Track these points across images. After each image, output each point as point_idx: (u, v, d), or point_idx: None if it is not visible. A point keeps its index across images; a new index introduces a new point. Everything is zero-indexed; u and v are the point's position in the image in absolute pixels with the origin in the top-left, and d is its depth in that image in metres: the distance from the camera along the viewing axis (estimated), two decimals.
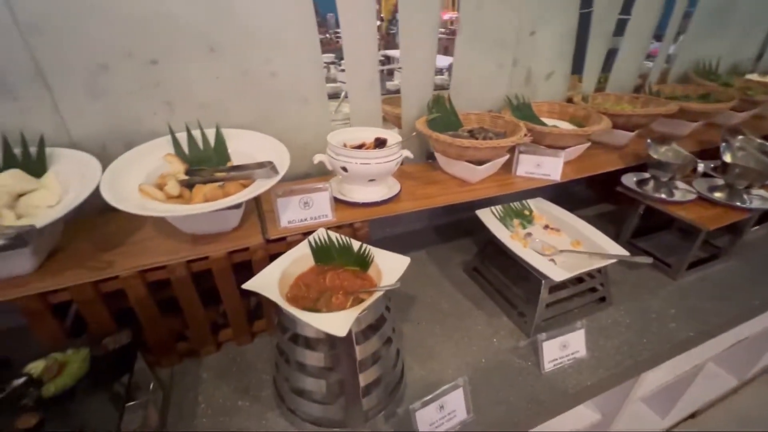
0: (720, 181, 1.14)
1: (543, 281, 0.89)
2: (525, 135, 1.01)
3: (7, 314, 0.93)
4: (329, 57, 4.58)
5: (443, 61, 2.59)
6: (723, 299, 1.05)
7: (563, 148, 1.11)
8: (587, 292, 1.03)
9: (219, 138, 0.92)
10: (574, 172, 1.15)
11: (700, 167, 1.05)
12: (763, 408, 1.85)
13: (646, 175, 1.18)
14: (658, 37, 1.49)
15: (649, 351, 0.90)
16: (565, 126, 1.24)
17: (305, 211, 0.86)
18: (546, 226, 1.08)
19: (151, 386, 0.77)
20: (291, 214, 0.85)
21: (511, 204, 1.12)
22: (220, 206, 0.70)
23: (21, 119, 0.80)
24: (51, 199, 0.72)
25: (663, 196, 1.11)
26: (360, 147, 0.97)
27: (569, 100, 1.38)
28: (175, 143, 0.89)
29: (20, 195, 0.72)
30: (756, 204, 1.07)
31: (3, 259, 0.64)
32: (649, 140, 1.16)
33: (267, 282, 0.66)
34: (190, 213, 0.69)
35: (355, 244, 0.76)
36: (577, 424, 1.24)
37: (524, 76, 1.28)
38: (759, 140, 1.21)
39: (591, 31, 1.30)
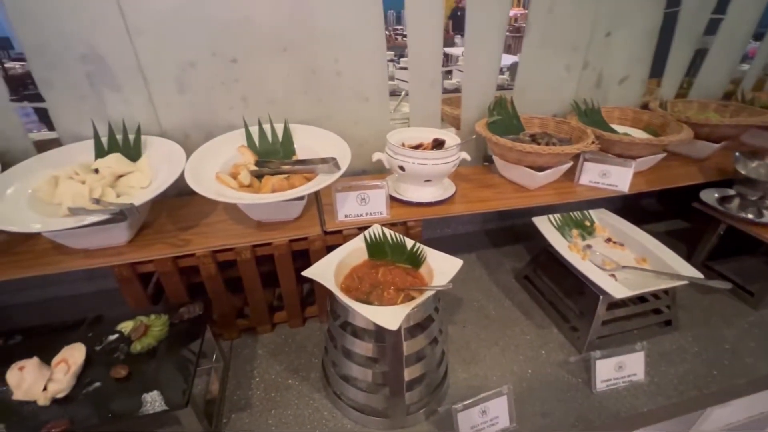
0: None
1: (601, 297, 0.84)
2: (592, 142, 0.96)
3: (102, 279, 1.08)
4: (388, 55, 4.62)
5: (505, 59, 2.52)
6: None
7: (634, 157, 1.04)
8: (650, 314, 0.96)
9: (286, 132, 0.98)
10: (645, 184, 1.08)
11: None
12: None
13: (731, 191, 1.06)
14: (758, 36, 1.34)
15: (718, 384, 0.82)
16: (639, 134, 1.16)
17: (362, 206, 0.89)
18: (608, 240, 1.03)
19: (215, 356, 0.85)
20: (348, 208, 0.89)
21: (571, 213, 1.08)
22: (286, 197, 0.75)
23: (123, 109, 0.91)
24: (144, 181, 0.81)
25: (750, 216, 1.00)
26: (418, 147, 0.99)
27: (645, 107, 1.28)
28: (248, 136, 0.97)
29: (120, 176, 0.83)
30: None
31: (105, 230, 0.74)
32: (737, 153, 1.05)
33: (324, 271, 0.70)
34: (260, 202, 0.75)
35: (409, 243, 0.78)
36: None
37: (595, 80, 1.21)
38: None
39: (676, 31, 1.19)
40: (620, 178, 1.01)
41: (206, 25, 0.87)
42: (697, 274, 0.85)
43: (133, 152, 0.89)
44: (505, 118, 1.13)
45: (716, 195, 1.09)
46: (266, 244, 0.83)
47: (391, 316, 0.58)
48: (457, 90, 1.13)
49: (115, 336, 0.69)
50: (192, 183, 0.76)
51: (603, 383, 0.81)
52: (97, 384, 0.61)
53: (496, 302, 1.05)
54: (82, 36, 0.82)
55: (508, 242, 1.31)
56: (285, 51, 0.95)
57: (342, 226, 0.88)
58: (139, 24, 0.83)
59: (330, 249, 0.79)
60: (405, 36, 1.01)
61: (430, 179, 0.93)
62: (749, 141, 1.26)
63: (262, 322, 0.96)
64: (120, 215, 0.69)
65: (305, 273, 0.68)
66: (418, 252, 0.76)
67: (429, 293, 0.66)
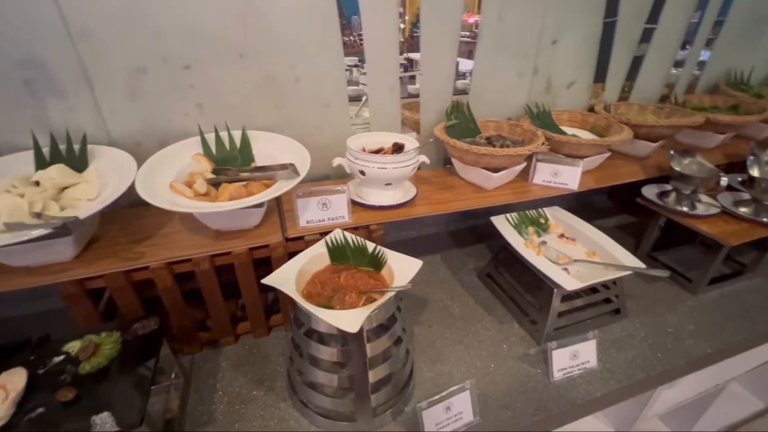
0: (746, 196, 1.11)
1: (555, 290, 0.89)
2: (543, 144, 1.01)
3: (48, 298, 1.01)
4: (353, 60, 4.64)
5: (467, 65, 2.59)
6: (745, 317, 1.02)
7: (582, 157, 1.11)
8: (601, 303, 1.02)
9: (244, 139, 0.97)
10: (593, 181, 1.15)
11: (723, 181, 1.03)
12: None
13: (668, 187, 1.15)
14: (686, 44, 1.46)
15: (663, 366, 0.89)
16: (586, 135, 1.23)
17: (323, 211, 0.90)
18: (561, 235, 1.08)
19: (174, 372, 0.82)
20: (310, 214, 0.89)
21: (526, 212, 1.13)
22: (244, 205, 0.74)
23: (67, 118, 0.86)
24: (91, 192, 0.78)
25: (685, 209, 1.09)
26: (378, 151, 1.00)
27: (591, 109, 1.37)
28: (204, 143, 0.94)
29: (64, 188, 0.79)
30: None
31: (47, 246, 0.70)
32: (672, 152, 1.14)
33: (285, 278, 0.70)
34: (217, 210, 0.73)
35: (370, 246, 0.79)
36: None
37: (544, 85, 1.28)
38: None
39: (615, 39, 1.28)
40: (570, 177, 1.07)
41: (156, 31, 0.85)
42: (639, 264, 0.91)
43: (78, 163, 0.84)
44: (462, 121, 1.17)
45: (656, 190, 1.18)
46: (225, 253, 0.81)
47: (351, 319, 0.59)
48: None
49: (61, 357, 0.65)
50: (143, 193, 0.74)
51: (560, 372, 0.85)
52: (41, 409, 0.57)
53: (460, 301, 1.08)
54: (19, 40, 0.77)
55: (471, 242, 1.35)
56: (241, 57, 0.94)
57: (304, 232, 0.88)
58: (83, 28, 0.80)
59: (292, 256, 0.78)
60: None
61: (390, 183, 0.95)
62: (683, 140, 1.38)
63: (224, 333, 0.93)
64: (63, 229, 0.65)
65: (265, 281, 0.68)
66: (379, 255, 0.77)
67: (390, 294, 0.67)
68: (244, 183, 0.85)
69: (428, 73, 1.12)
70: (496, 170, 1.04)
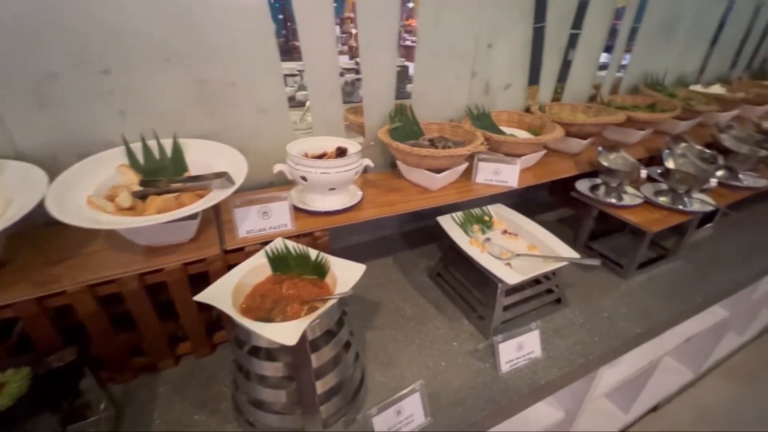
0: (664, 186, 1.21)
1: (499, 285, 0.92)
2: (482, 144, 1.05)
3: None
4: (302, 65, 4.57)
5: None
6: (669, 297, 1.11)
7: (520, 155, 1.16)
8: (544, 294, 1.07)
9: (176, 148, 0.91)
10: (532, 178, 1.20)
11: (643, 173, 1.12)
12: (718, 399, 1.96)
13: (599, 180, 1.24)
14: (609, 49, 1.58)
15: (600, 349, 0.94)
16: (523, 135, 1.29)
17: (264, 220, 0.86)
18: (505, 231, 1.12)
19: (103, 404, 0.74)
20: (250, 224, 0.85)
21: (471, 210, 1.16)
22: (172, 218, 0.69)
23: None
24: None
25: (613, 200, 1.17)
26: (321, 156, 0.98)
27: (528, 110, 1.44)
28: (130, 153, 0.88)
29: None
30: (696, 207, 1.14)
31: None
32: (600, 148, 1.22)
33: (220, 293, 0.66)
34: (140, 225, 0.68)
35: (312, 253, 0.77)
36: (541, 423, 1.28)
37: (483, 87, 1.32)
38: (699, 147, 1.30)
39: (545, 44, 1.36)
40: (510, 175, 1.12)
41: (68, 33, 0.78)
42: (574, 254, 0.97)
43: None
44: (406, 124, 1.18)
45: (588, 184, 1.26)
46: (156, 270, 0.76)
47: (289, 331, 0.57)
48: None
49: None
50: (55, 210, 0.66)
51: (507, 364, 0.87)
52: None
53: (412, 302, 1.09)
54: None
55: (422, 242, 1.36)
56: (168, 62, 0.88)
57: (244, 242, 0.84)
58: None
59: (233, 268, 0.75)
60: None
61: (334, 187, 0.94)
62: (609, 136, 1.49)
63: (162, 356, 0.87)
64: None
65: (197, 297, 0.64)
66: (322, 262, 0.75)
67: (332, 302, 0.66)
68: (175, 194, 0.80)
69: (369, 77, 1.12)
70: (439, 171, 1.06)
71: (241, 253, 0.83)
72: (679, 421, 1.86)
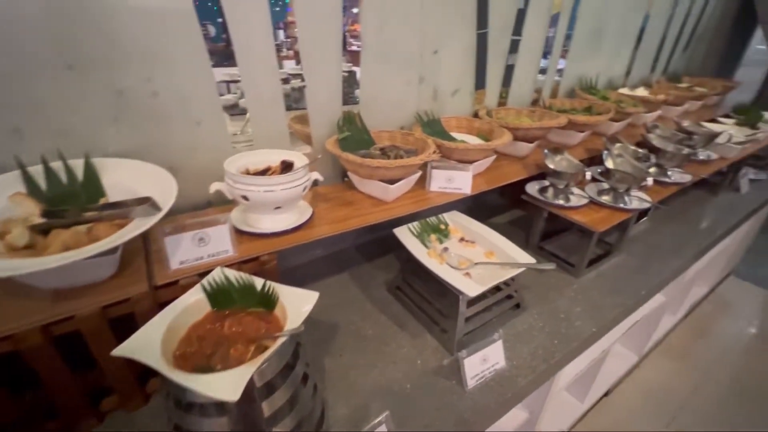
0: (606, 185, 1.27)
1: (460, 296, 0.89)
2: (434, 152, 1.02)
3: None
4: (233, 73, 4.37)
5: None
6: (617, 293, 1.16)
7: (472, 161, 1.15)
8: (504, 300, 1.06)
9: (89, 170, 0.79)
10: (484, 183, 1.20)
11: (588, 175, 1.16)
12: (660, 376, 2.11)
13: (547, 183, 1.27)
14: (547, 54, 1.65)
15: (561, 352, 0.95)
16: (473, 140, 1.30)
17: (201, 248, 0.76)
18: (462, 239, 1.11)
19: None
20: (184, 253, 0.75)
21: (428, 219, 1.13)
22: (80, 257, 0.58)
23: None
24: None
25: (561, 202, 1.21)
26: (265, 172, 0.90)
27: (476, 115, 1.45)
28: (28, 179, 0.74)
29: None
30: (635, 204, 1.20)
31: None
32: (546, 151, 1.25)
33: (146, 342, 0.56)
34: (37, 269, 0.56)
35: (258, 282, 0.69)
36: (507, 425, 1.28)
37: (431, 93, 1.31)
38: (632, 147, 1.38)
39: (489, 49, 1.38)
40: (463, 182, 1.11)
41: None
42: (531, 260, 0.97)
43: None
44: (355, 133, 1.13)
45: (537, 186, 1.29)
46: (66, 318, 0.64)
47: (231, 384, 0.49)
48: None
49: None
50: None
51: (473, 379, 0.85)
52: None
53: (372, 320, 1.03)
54: None
55: (378, 254, 1.32)
56: (71, 69, 0.76)
57: (177, 275, 0.73)
58: None
59: (165, 306, 0.64)
60: None
61: (280, 206, 0.86)
62: (552, 139, 1.54)
63: (81, 417, 0.73)
64: None
65: (116, 352, 0.53)
66: (270, 292, 0.68)
67: (282, 339, 0.58)
68: (88, 226, 0.68)
69: (314, 84, 1.05)
70: (392, 181, 1.01)
71: (176, 287, 0.73)
72: (629, 402, 1.98)
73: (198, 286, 0.67)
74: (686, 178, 1.40)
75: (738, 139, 1.66)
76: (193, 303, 0.65)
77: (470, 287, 0.86)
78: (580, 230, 1.41)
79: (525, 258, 0.98)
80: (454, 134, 1.31)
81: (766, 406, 1.96)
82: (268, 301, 0.67)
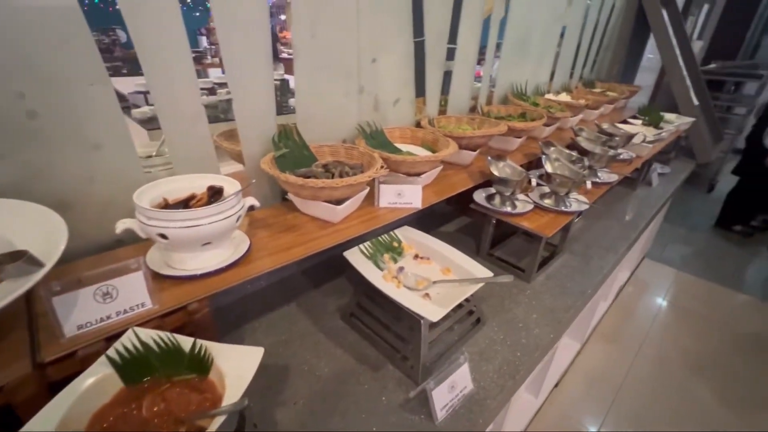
0: (547, 189, 1.31)
1: (422, 321, 0.83)
2: (381, 167, 0.96)
3: None
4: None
5: None
6: (567, 294, 1.18)
7: (420, 174, 1.11)
8: (465, 317, 1.03)
9: None
10: (433, 195, 1.16)
11: (534, 181, 1.18)
12: (598, 360, 2.26)
13: (493, 190, 1.27)
14: (480, 62, 1.68)
15: (524, 364, 0.93)
16: (419, 150, 1.26)
17: (107, 305, 0.61)
18: (416, 256, 1.05)
19: None
20: (83, 314, 0.59)
21: (380, 238, 1.06)
22: None
23: None
24: None
25: (509, 209, 1.21)
26: (188, 201, 0.77)
27: (418, 124, 1.41)
28: None
29: None
30: (575, 207, 1.25)
31: None
32: (489, 158, 1.25)
33: None
34: None
35: (185, 342, 0.56)
36: None
37: (372, 103, 1.25)
38: (567, 151, 1.44)
39: (426, 57, 1.36)
40: (413, 196, 1.05)
41: None
42: (488, 273, 0.94)
43: None
44: (293, 149, 1.03)
45: (484, 194, 1.29)
46: None
47: None
48: None
49: None
50: None
51: (443, 410, 0.79)
52: None
53: (327, 355, 0.93)
54: None
55: (328, 277, 1.22)
56: None
57: (74, 344, 0.58)
58: None
59: (59, 388, 0.49)
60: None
61: (209, 241, 0.73)
62: (492, 145, 1.56)
63: None
64: None
65: None
66: (202, 353, 0.55)
67: (221, 419, 0.47)
68: None
69: (241, 95, 0.93)
70: (339, 201, 0.93)
71: (73, 361, 0.57)
72: (575, 390, 2.09)
73: (102, 358, 0.53)
74: (613, 177, 1.50)
75: (649, 138, 1.83)
76: (96, 381, 0.51)
77: (432, 311, 0.81)
78: (526, 234, 1.44)
79: (482, 272, 0.95)
80: (398, 145, 1.26)
81: (687, 376, 2.20)
82: (200, 366, 0.55)
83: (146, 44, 0.75)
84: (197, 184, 0.81)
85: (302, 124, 1.07)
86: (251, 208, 0.81)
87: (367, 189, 1.01)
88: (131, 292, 0.63)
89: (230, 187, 0.80)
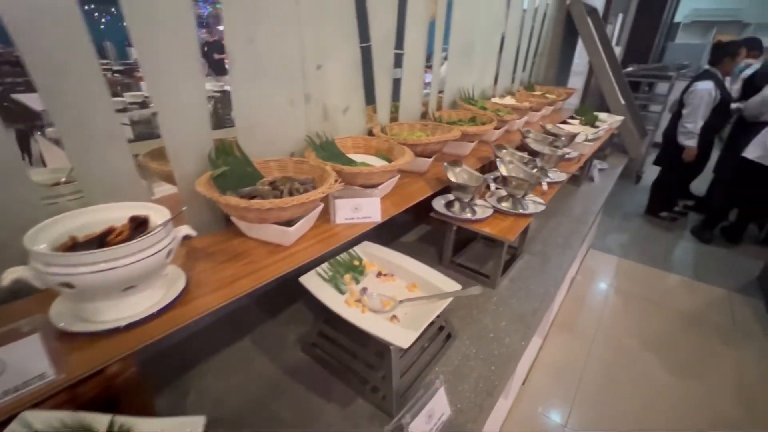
0: (504, 193, 1.30)
1: (391, 347, 0.76)
2: (336, 181, 0.88)
3: None
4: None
5: None
6: (531, 296, 1.18)
7: (376, 185, 1.04)
8: (436, 333, 0.97)
9: None
10: (392, 206, 1.10)
11: (492, 186, 1.16)
12: (559, 351, 2.33)
13: (451, 197, 1.24)
14: (428, 67, 1.66)
15: (499, 378, 0.89)
16: (373, 160, 1.19)
17: None
18: (379, 273, 0.98)
19: None
20: None
21: (338, 258, 0.98)
22: None
23: None
24: None
25: (469, 215, 1.18)
26: (105, 237, 0.63)
27: (370, 133, 1.35)
28: None
29: None
30: (532, 209, 1.25)
31: None
32: (445, 164, 1.22)
33: None
34: None
35: (100, 421, 0.44)
36: None
37: (321, 112, 1.17)
38: (518, 153, 1.46)
39: (374, 64, 1.30)
40: (371, 209, 0.98)
41: None
42: (456, 286, 0.90)
43: None
44: (235, 166, 0.91)
45: (443, 202, 1.25)
46: None
47: None
48: None
49: None
50: None
51: None
52: None
53: (288, 396, 0.83)
54: None
55: (286, 304, 1.11)
56: None
57: None
58: None
59: None
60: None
61: (133, 284, 0.60)
62: (447, 150, 1.54)
63: None
64: None
65: None
66: None
67: None
68: None
69: (168, 111, 0.81)
70: (290, 222, 0.83)
71: None
72: (541, 385, 2.13)
73: None
74: (562, 176, 1.54)
75: (590, 136, 1.93)
76: None
77: (402, 335, 0.74)
78: (486, 239, 1.43)
79: (449, 285, 0.90)
80: (352, 156, 1.18)
81: (638, 353, 2.34)
82: None
83: (36, 49, 0.61)
84: (116, 215, 0.67)
85: (244, 137, 0.96)
86: (186, 237, 0.70)
87: (321, 206, 0.93)
88: (25, 363, 0.49)
89: (158, 215, 0.67)
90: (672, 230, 3.86)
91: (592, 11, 3.15)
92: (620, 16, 5.06)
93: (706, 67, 3.37)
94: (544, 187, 1.17)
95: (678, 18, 7.35)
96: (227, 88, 3.90)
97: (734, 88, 3.73)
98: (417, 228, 1.60)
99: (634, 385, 2.12)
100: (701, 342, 2.46)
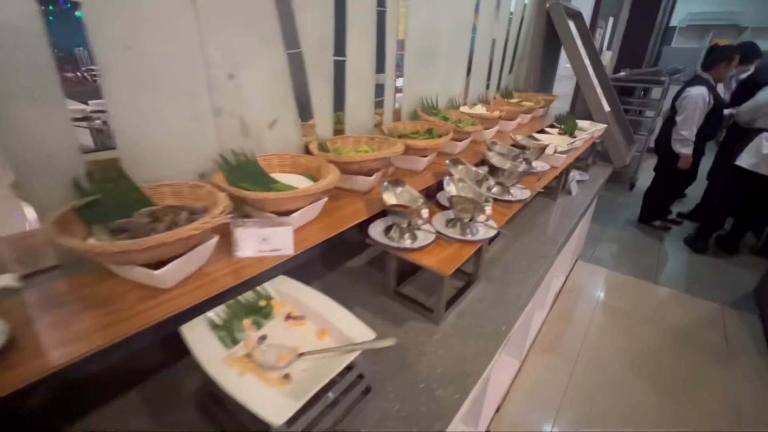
0: (452, 215, 1.17)
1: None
2: (222, 212, 0.74)
3: None
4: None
5: None
6: (479, 336, 1.04)
7: (292, 211, 0.91)
8: (355, 382, 0.83)
9: None
10: (320, 232, 0.97)
11: (425, 213, 1.02)
12: (539, 374, 2.19)
13: (391, 221, 1.11)
14: (380, 70, 1.53)
15: None
16: (300, 181, 1.06)
17: None
18: (288, 316, 0.85)
19: None
20: None
21: (241, 297, 0.84)
22: None
23: None
24: None
25: (408, 242, 1.05)
26: None
27: (307, 149, 1.22)
28: None
29: None
30: (482, 234, 1.12)
31: None
32: (384, 184, 1.09)
33: None
34: None
35: None
36: None
37: (238, 128, 1.04)
38: (474, 169, 1.32)
39: (308, 72, 1.17)
40: (281, 240, 0.85)
41: None
42: (369, 336, 0.76)
43: None
44: (113, 193, 0.78)
45: (383, 226, 1.12)
46: None
47: None
48: None
49: None
50: None
51: None
52: None
53: None
54: None
55: (176, 354, 0.95)
56: None
57: None
58: None
59: None
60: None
61: None
62: (399, 165, 1.40)
63: None
64: None
65: None
66: None
67: None
68: None
69: (14, 129, 0.68)
70: (167, 261, 0.70)
71: None
72: (518, 411, 1.98)
73: None
74: (527, 194, 1.41)
75: (563, 148, 1.79)
76: None
77: (280, 405, 0.60)
78: None
79: (363, 333, 0.77)
80: (277, 176, 1.05)
81: (623, 373, 2.19)
82: None
83: None
84: None
85: (129, 158, 0.83)
86: (12, 289, 0.57)
87: (216, 238, 0.80)
88: None
89: None
90: (665, 240, 3.71)
91: (576, 15, 3.02)
92: (611, 19, 4.95)
93: (698, 72, 3.24)
94: (488, 210, 1.04)
95: (674, 22, 7.23)
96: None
97: (728, 95, 3.61)
98: (370, 249, 1.46)
99: (618, 410, 1.98)
100: (692, 361, 2.32)
